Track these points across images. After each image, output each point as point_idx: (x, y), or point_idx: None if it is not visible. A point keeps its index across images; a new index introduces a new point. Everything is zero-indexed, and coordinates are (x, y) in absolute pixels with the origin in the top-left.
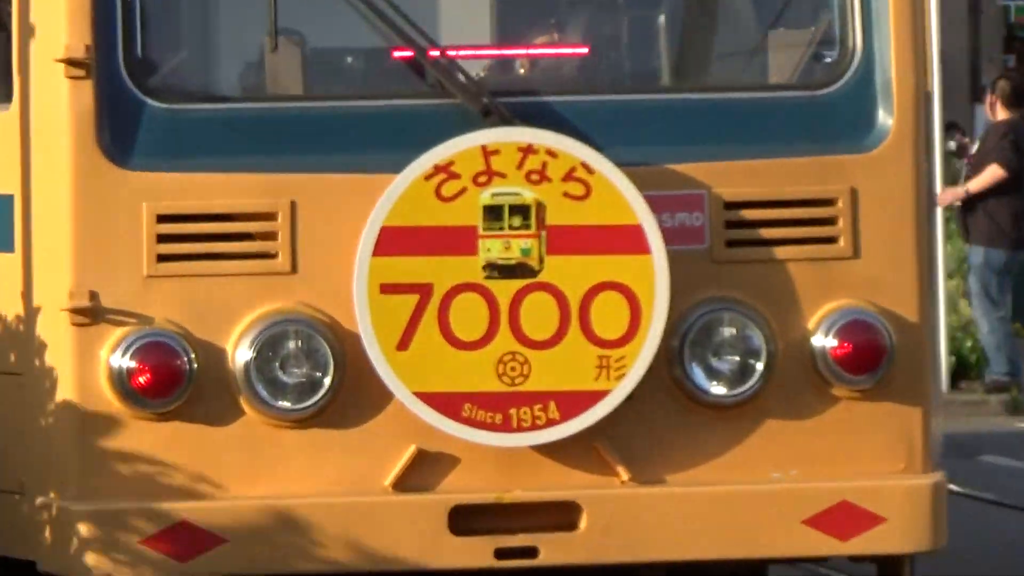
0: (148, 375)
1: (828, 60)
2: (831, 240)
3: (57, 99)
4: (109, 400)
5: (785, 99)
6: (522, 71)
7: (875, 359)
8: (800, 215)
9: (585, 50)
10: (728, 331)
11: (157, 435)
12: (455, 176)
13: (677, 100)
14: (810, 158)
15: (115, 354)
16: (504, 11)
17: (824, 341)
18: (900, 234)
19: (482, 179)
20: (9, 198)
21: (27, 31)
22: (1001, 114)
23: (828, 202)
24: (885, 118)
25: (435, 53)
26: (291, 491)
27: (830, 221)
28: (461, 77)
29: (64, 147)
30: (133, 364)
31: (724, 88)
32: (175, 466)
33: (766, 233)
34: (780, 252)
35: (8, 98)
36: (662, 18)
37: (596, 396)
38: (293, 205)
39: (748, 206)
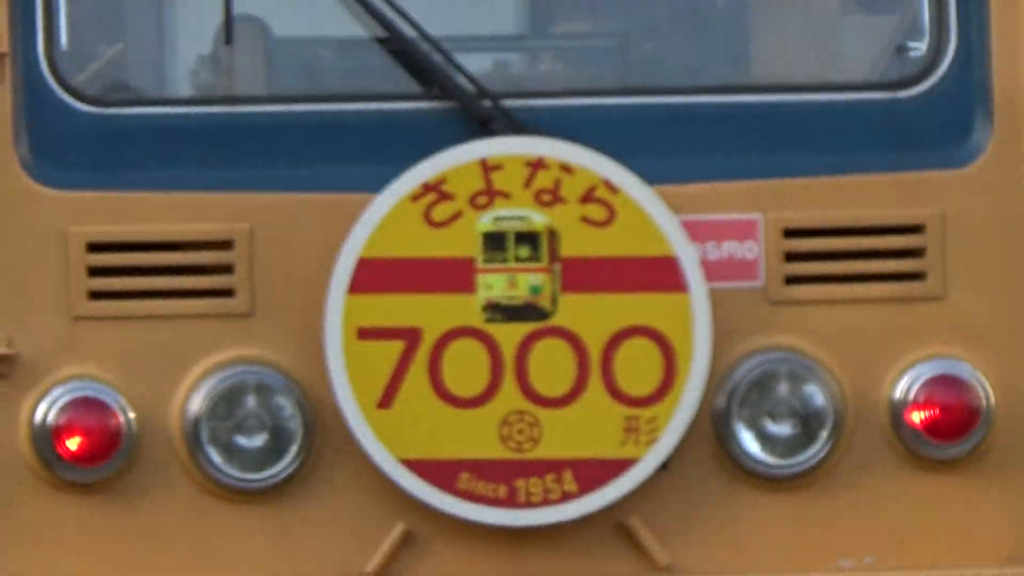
0: (77, 437)
1: (914, 54)
2: (916, 276)
3: None
4: (29, 466)
5: (860, 101)
6: (535, 67)
7: (968, 422)
8: (878, 245)
9: (609, 44)
10: (786, 387)
11: (87, 511)
12: (448, 197)
13: (725, 102)
14: (891, 175)
15: (37, 411)
16: None
17: (905, 400)
18: (1002, 269)
19: (481, 200)
20: None
21: None
22: None
23: (913, 229)
24: (983, 126)
25: (424, 49)
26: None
27: (915, 253)
28: (458, 75)
29: None
30: (59, 423)
31: (784, 88)
32: (107, 549)
33: (835, 267)
34: (852, 291)
35: None
36: (707, 2)
37: (622, 465)
38: (252, 231)
39: (813, 234)
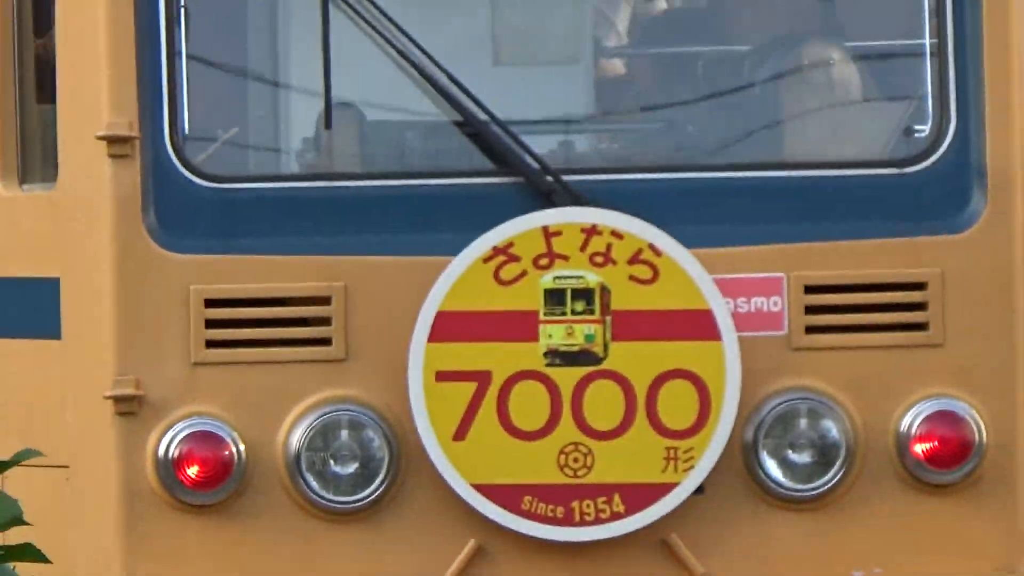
0: (195, 466)
1: (919, 135)
2: (920, 327)
3: (100, 178)
4: (155, 492)
5: (872, 176)
6: (591, 147)
7: (963, 453)
8: (887, 300)
9: (655, 127)
10: (805, 422)
11: (204, 529)
12: (515, 259)
13: (755, 177)
14: (898, 240)
15: (161, 444)
16: (589, 84)
17: (909, 433)
18: (996, 321)
19: (543, 262)
20: (55, 282)
21: (70, 106)
22: None
23: (917, 286)
24: (978, 198)
25: (495, 132)
26: None
27: (919, 307)
28: (525, 154)
29: (107, 229)
30: (179, 454)
31: (807, 165)
32: (222, 562)
33: (850, 319)
34: (864, 339)
35: (54, 179)
36: (740, 90)
37: (664, 489)
38: (347, 289)
39: (831, 290)
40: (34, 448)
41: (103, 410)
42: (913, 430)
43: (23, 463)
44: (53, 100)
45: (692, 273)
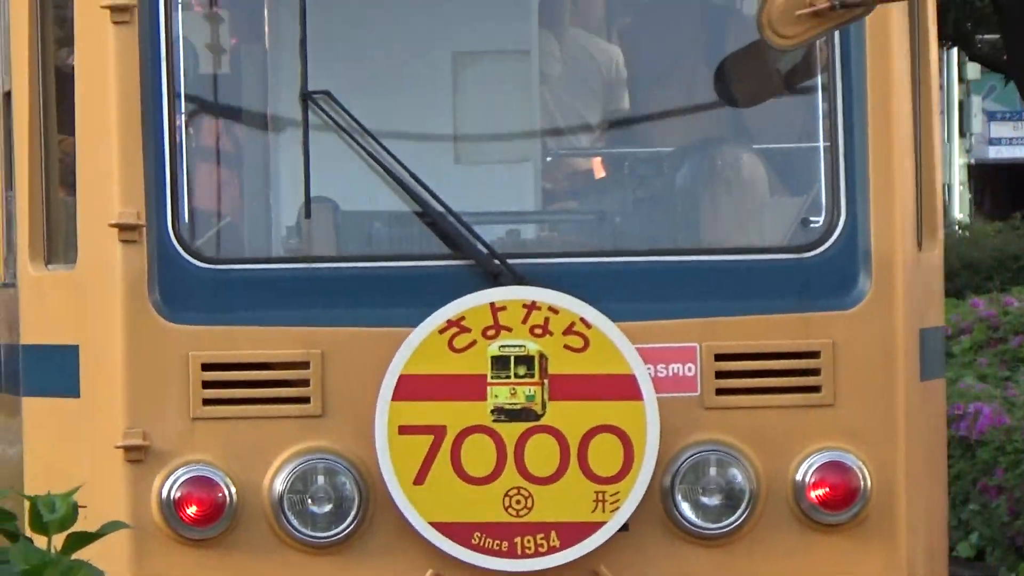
0: (193, 506)
1: (815, 225)
2: (814, 390)
3: (112, 260)
4: (159, 528)
5: (774, 260)
6: (533, 235)
7: (851, 497)
8: (785, 366)
9: (588, 218)
10: (715, 470)
11: (201, 559)
12: (466, 330)
13: (673, 261)
14: (796, 315)
15: (164, 487)
16: (533, 179)
17: (804, 481)
18: (880, 385)
19: (490, 332)
20: (75, 348)
21: (87, 197)
22: None
23: (811, 355)
24: (864, 280)
25: (451, 221)
26: None
27: (813, 372)
28: (476, 241)
29: (118, 304)
30: (180, 495)
31: (718, 250)
32: None
33: (754, 383)
34: (766, 400)
35: (74, 260)
36: (662, 186)
37: (593, 527)
38: (323, 355)
39: (737, 358)
40: (54, 492)
41: (115, 458)
42: (808, 478)
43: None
44: (74, 191)
45: (617, 343)
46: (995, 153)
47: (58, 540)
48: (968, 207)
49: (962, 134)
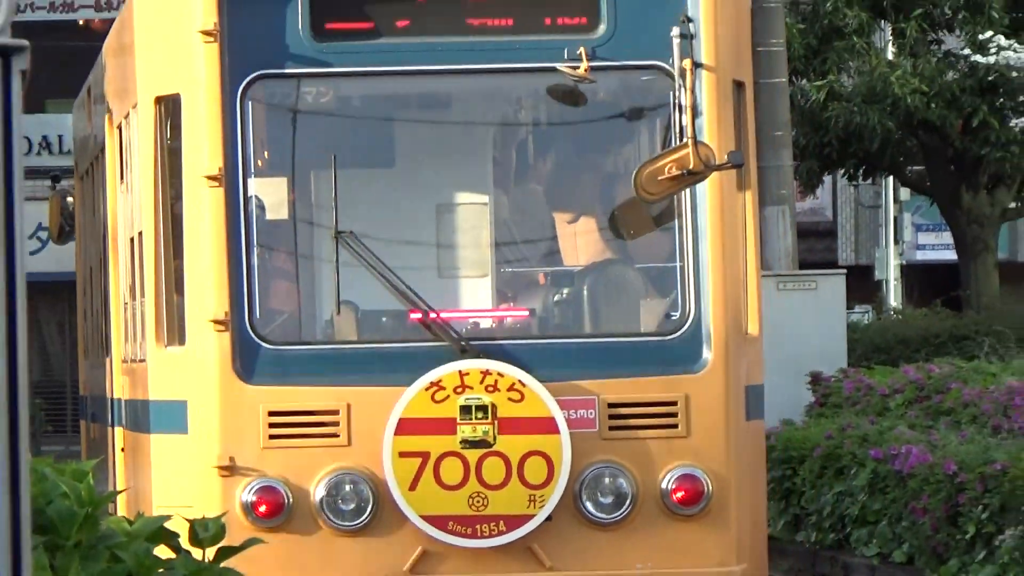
0: (264, 507)
1: (674, 318)
2: (674, 426)
3: (209, 343)
4: (240, 521)
5: (649, 341)
6: (489, 325)
7: (698, 498)
8: (655, 411)
9: (525, 313)
10: (608, 480)
11: (270, 542)
12: (443, 388)
13: (582, 341)
14: (662, 377)
15: (244, 493)
16: (487, 290)
17: (668, 486)
18: (718, 423)
19: (459, 389)
20: (184, 402)
21: (192, 298)
22: None
23: (672, 403)
24: (707, 354)
25: (433, 316)
26: (346, 572)
27: (673, 415)
28: (450, 331)
29: (214, 372)
30: (254, 499)
31: (610, 335)
32: (282, 557)
33: (633, 422)
34: (642, 433)
35: (183, 342)
36: (573, 294)
37: (527, 518)
38: (349, 408)
39: (624, 405)
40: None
41: (211, 474)
42: (670, 485)
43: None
44: (183, 297)
45: (543, 396)
46: (922, 256)
47: (210, 552)
48: (901, 297)
49: (896, 241)
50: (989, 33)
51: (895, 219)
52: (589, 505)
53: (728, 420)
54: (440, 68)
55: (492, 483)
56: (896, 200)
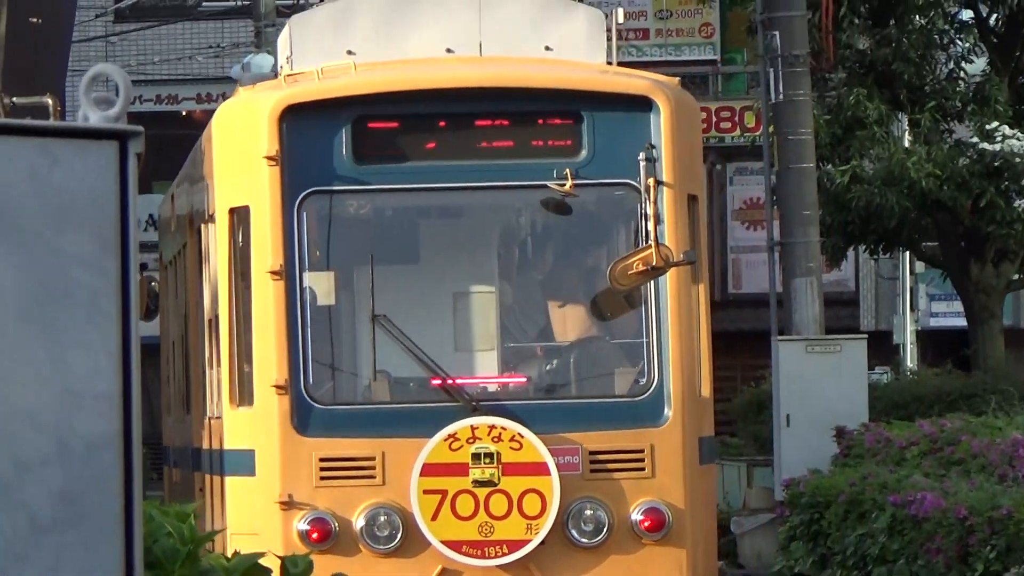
0: (316, 534)
1: (642, 383)
2: (642, 469)
3: (272, 404)
4: (296, 545)
5: (622, 402)
6: (495, 389)
7: (661, 525)
8: (626, 457)
9: (524, 379)
10: (588, 512)
11: (321, 563)
12: (457, 439)
13: (568, 403)
14: (632, 430)
15: (300, 523)
16: (494, 362)
17: (636, 516)
18: (677, 466)
19: (470, 440)
20: (252, 452)
21: (261, 369)
22: None
23: (640, 451)
24: (668, 411)
25: (451, 382)
26: None
27: (641, 460)
28: (464, 393)
29: (276, 427)
30: (308, 528)
31: (592, 397)
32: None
33: (610, 466)
34: (617, 475)
35: (251, 403)
36: (561, 365)
37: (526, 542)
38: (384, 454)
39: (603, 453)
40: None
41: (274, 508)
42: (639, 516)
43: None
44: (251, 366)
45: (537, 446)
46: (935, 322)
47: None
48: (916, 359)
49: (912, 309)
50: (995, 123)
51: (911, 289)
52: (574, 532)
53: (685, 464)
54: (455, 185)
55: (497, 515)
56: (912, 272)
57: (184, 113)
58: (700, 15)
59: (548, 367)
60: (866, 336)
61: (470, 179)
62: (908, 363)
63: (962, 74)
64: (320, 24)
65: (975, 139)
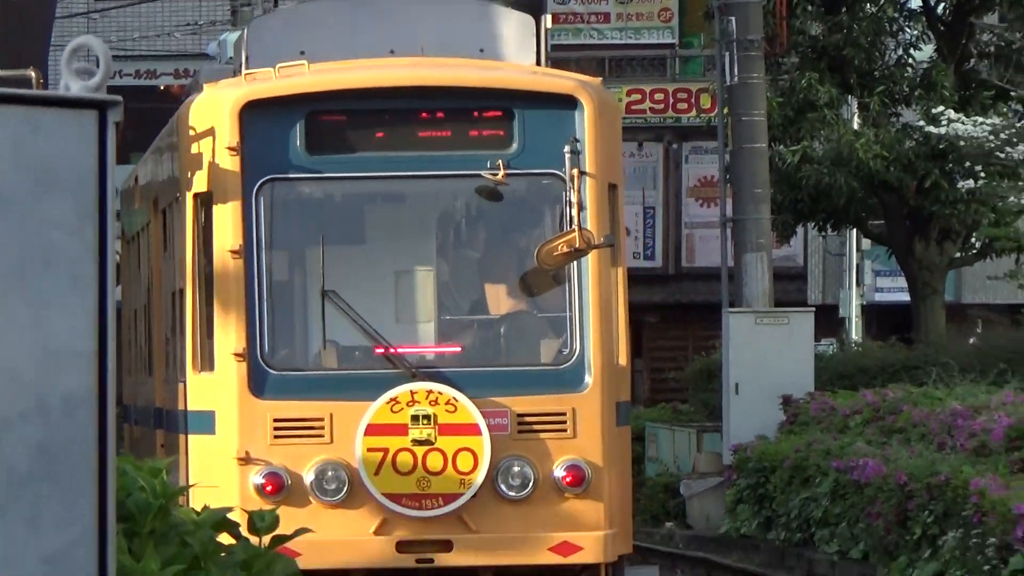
0: (270, 487)
1: (565, 352)
2: (564, 430)
3: (231, 370)
4: (252, 497)
5: (547, 369)
6: (434, 358)
7: (581, 481)
8: (550, 419)
9: (458, 349)
10: (516, 468)
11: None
12: (398, 402)
13: (499, 370)
14: (557, 395)
15: (255, 477)
16: (432, 331)
17: (559, 473)
18: (596, 428)
19: (410, 403)
20: (213, 412)
21: (221, 338)
22: None
23: (563, 414)
24: (588, 378)
25: (392, 350)
26: (329, 534)
27: (563, 422)
28: (404, 361)
29: (234, 391)
30: (263, 481)
31: (520, 364)
32: (282, 526)
33: (536, 427)
34: (542, 435)
35: (212, 368)
36: (492, 333)
37: (459, 495)
38: (332, 416)
39: (529, 415)
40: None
41: (232, 463)
42: (561, 472)
43: (192, 487)
44: (212, 336)
45: (470, 409)
46: (880, 297)
47: (265, 539)
48: (861, 332)
49: (858, 284)
50: (941, 108)
51: (857, 265)
52: (503, 487)
53: (603, 426)
54: (398, 174)
55: (434, 470)
56: (858, 249)
57: (162, 87)
58: (659, 0)
59: (480, 338)
60: (813, 309)
61: (412, 169)
62: (853, 336)
63: (910, 60)
64: (275, 27)
65: (921, 123)
